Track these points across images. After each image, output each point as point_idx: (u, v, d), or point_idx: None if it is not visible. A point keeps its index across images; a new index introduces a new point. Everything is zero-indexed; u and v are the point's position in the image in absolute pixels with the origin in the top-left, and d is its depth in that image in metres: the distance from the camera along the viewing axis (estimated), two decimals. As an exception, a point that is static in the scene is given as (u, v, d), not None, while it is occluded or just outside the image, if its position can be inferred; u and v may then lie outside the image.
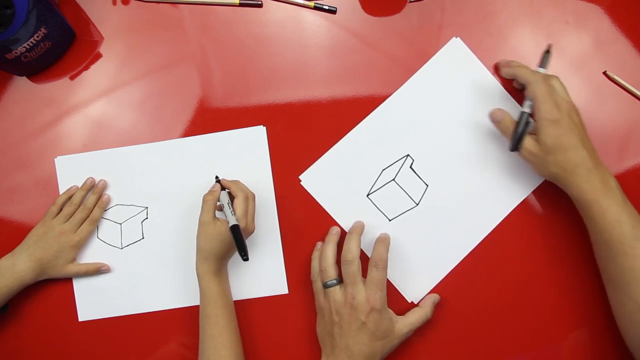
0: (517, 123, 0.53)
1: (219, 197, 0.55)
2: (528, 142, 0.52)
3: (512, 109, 0.57)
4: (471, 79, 0.59)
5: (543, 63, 0.55)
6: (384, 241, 0.54)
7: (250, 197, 0.55)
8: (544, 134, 0.50)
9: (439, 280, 0.58)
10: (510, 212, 0.58)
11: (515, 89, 0.59)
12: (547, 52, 0.55)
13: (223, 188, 0.56)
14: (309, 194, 0.59)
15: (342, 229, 0.59)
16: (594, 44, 0.60)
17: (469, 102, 0.59)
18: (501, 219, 0.58)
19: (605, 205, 0.48)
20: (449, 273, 0.58)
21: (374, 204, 0.59)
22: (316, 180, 0.59)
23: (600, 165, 0.50)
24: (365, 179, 0.59)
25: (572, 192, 0.50)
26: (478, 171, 0.58)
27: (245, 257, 0.50)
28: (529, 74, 0.52)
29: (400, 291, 0.58)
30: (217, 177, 0.58)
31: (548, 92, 0.50)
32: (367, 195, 0.59)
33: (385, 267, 0.52)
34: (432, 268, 0.58)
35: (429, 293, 0.57)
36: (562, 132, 0.49)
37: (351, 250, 0.52)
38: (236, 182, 0.57)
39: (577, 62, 0.59)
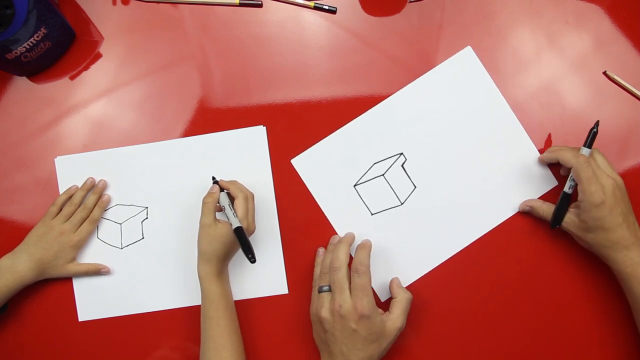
0: (559, 203, 0.54)
1: (218, 199, 0.55)
2: (569, 220, 0.53)
3: (512, 126, 0.58)
4: (478, 91, 0.59)
5: (588, 142, 0.53)
6: (364, 247, 0.54)
7: (249, 197, 0.55)
8: (586, 215, 0.51)
9: (411, 282, 0.58)
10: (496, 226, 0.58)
11: (517, 107, 0.59)
12: (594, 131, 0.53)
13: (222, 189, 0.56)
14: (309, 193, 0.59)
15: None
16: (594, 44, 0.60)
17: (472, 114, 0.59)
18: (483, 233, 0.58)
19: None
20: (422, 276, 0.58)
21: (359, 195, 0.59)
22: (308, 164, 0.59)
23: (638, 233, 0.51)
24: (356, 170, 0.59)
25: (611, 265, 0.51)
26: (469, 183, 0.58)
27: (252, 259, 0.49)
28: (572, 157, 0.52)
29: (374, 287, 0.57)
30: (214, 178, 0.58)
31: (593, 175, 0.50)
32: (354, 185, 0.59)
33: (367, 272, 0.51)
34: (406, 268, 0.58)
35: (392, 281, 0.57)
36: (606, 214, 0.49)
37: (339, 258, 0.52)
38: (234, 183, 0.57)
39: (577, 62, 0.59)
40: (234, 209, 0.53)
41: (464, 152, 0.58)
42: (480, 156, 0.58)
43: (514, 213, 0.58)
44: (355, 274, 0.51)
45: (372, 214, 0.59)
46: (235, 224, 0.51)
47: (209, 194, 0.55)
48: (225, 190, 0.56)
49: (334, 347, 0.51)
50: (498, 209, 0.58)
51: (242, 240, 0.50)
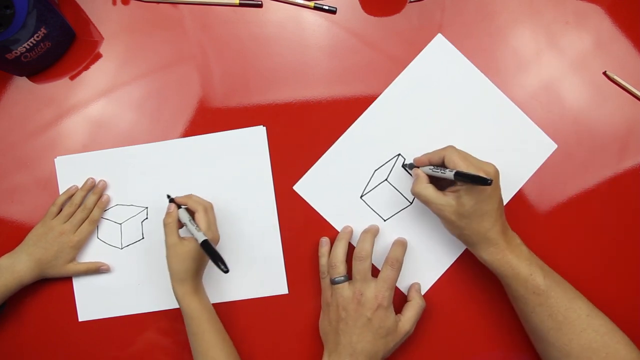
0: (461, 174, 0.47)
1: (178, 217, 0.54)
2: (447, 203, 0.49)
3: (497, 99, 0.58)
4: (457, 74, 0.59)
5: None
6: (402, 244, 0.55)
7: (209, 208, 0.55)
8: (467, 197, 0.48)
9: (437, 277, 0.58)
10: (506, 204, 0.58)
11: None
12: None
13: (179, 206, 0.55)
14: (309, 194, 0.59)
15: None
16: (594, 44, 0.60)
17: (456, 98, 0.59)
18: None
19: (515, 263, 0.49)
20: (446, 271, 0.58)
21: (368, 205, 0.59)
22: (310, 187, 0.59)
23: (505, 222, 0.51)
24: (358, 181, 0.59)
25: (482, 255, 0.50)
26: None
27: (225, 269, 0.46)
28: (440, 150, 0.52)
29: (402, 289, 0.58)
30: (169, 196, 0.57)
31: (465, 156, 0.50)
32: (361, 197, 0.59)
33: (400, 269, 0.53)
34: (430, 266, 0.58)
35: (412, 285, 0.57)
36: (484, 198, 0.48)
37: (365, 248, 0.53)
38: (190, 197, 0.56)
39: (577, 62, 0.59)
40: (195, 223, 0.53)
41: (457, 135, 0.59)
42: (475, 135, 0.59)
43: (520, 187, 0.58)
44: (389, 266, 0.53)
45: (385, 220, 0.59)
46: (200, 238, 0.50)
47: (167, 214, 0.54)
48: (183, 207, 0.55)
49: (344, 337, 0.51)
50: (505, 185, 0.57)
51: (210, 253, 0.48)
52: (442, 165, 0.51)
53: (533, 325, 0.50)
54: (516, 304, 0.51)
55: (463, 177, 0.47)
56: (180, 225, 0.55)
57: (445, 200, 0.50)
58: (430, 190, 0.51)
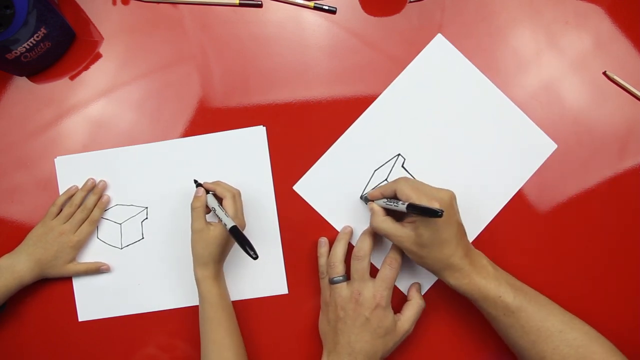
0: (413, 206, 0.47)
1: (206, 202, 0.55)
2: (405, 234, 0.49)
3: (497, 99, 0.58)
4: (457, 74, 0.59)
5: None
6: None
7: (237, 195, 0.55)
8: (423, 228, 0.48)
9: (437, 277, 0.58)
10: (503, 207, 0.58)
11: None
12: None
13: (207, 191, 0.56)
14: (309, 194, 0.59)
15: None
16: (594, 44, 0.60)
17: (456, 98, 0.59)
18: (495, 214, 0.58)
19: (483, 285, 0.49)
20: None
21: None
22: (310, 187, 0.59)
23: (468, 245, 0.51)
24: (358, 181, 0.59)
25: (449, 281, 0.50)
26: (469, 167, 0.58)
27: (254, 255, 0.47)
28: (392, 182, 0.52)
29: (402, 289, 0.58)
30: (196, 181, 0.57)
31: (417, 186, 0.50)
32: (361, 197, 0.59)
33: (399, 268, 0.53)
34: (423, 271, 0.58)
35: (412, 285, 0.57)
36: (440, 226, 0.48)
37: (363, 248, 0.53)
38: (219, 183, 0.57)
39: (577, 62, 0.59)
40: (224, 209, 0.53)
41: (457, 136, 0.59)
42: (475, 135, 0.59)
43: (518, 189, 0.58)
44: (388, 265, 0.53)
45: None
46: (230, 223, 0.50)
47: (196, 198, 0.55)
48: (210, 192, 0.56)
49: (342, 336, 0.51)
50: (502, 187, 0.58)
51: (240, 239, 0.49)
52: (395, 197, 0.51)
53: (510, 343, 0.50)
54: (491, 322, 0.51)
55: (415, 210, 0.46)
56: (207, 211, 0.55)
57: (404, 231, 0.50)
58: (388, 224, 0.51)
